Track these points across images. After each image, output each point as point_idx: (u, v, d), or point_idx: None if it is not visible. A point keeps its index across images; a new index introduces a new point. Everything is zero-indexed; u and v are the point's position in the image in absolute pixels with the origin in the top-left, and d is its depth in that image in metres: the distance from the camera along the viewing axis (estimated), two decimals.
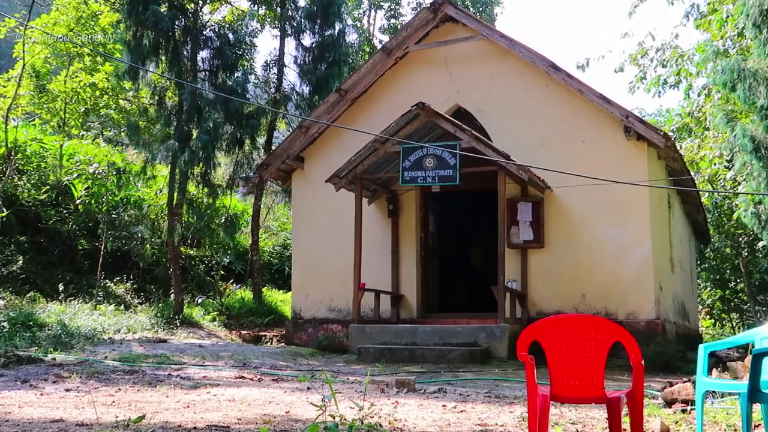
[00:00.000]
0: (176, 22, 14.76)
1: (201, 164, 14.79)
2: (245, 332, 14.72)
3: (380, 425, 5.06)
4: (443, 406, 6.39)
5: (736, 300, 23.27)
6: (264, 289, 18.33)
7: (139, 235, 16.50)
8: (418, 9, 27.02)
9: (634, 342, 4.06)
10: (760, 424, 5.15)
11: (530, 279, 12.45)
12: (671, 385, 7.03)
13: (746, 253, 20.86)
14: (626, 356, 4.10)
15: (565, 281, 12.23)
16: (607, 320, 4.22)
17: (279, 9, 18.08)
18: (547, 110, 12.69)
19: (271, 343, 14.04)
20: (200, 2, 15.62)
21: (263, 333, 14.76)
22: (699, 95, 19.50)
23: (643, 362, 4.04)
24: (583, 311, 11.94)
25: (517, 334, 10.67)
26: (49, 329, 11.43)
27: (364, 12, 31.79)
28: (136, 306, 15.26)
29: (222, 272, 18.84)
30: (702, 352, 5.00)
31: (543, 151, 12.50)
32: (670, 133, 19.06)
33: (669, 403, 6.47)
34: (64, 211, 16.67)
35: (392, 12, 31.11)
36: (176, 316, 14.31)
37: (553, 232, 12.45)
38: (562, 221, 12.42)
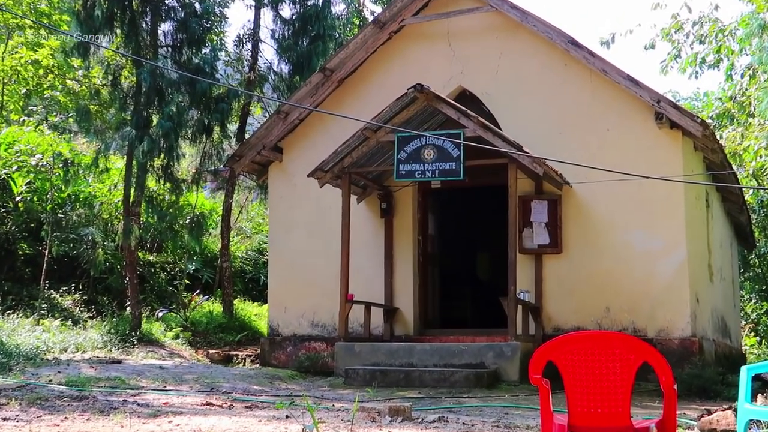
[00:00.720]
0: None
1: (162, 155, 14.77)
2: (214, 351, 14.73)
3: None
4: None
5: None
6: (236, 301, 18.39)
7: (90, 237, 16.44)
8: None
9: (666, 363, 4.08)
10: None
11: (545, 290, 12.48)
12: (709, 413, 7.07)
13: None
14: (656, 379, 4.14)
15: (585, 292, 12.27)
16: (634, 338, 4.25)
17: None
18: (566, 94, 12.72)
19: (244, 364, 14.05)
20: None
21: (235, 352, 14.78)
22: (742, 76, 19.51)
23: (676, 386, 4.08)
24: (606, 327, 11.96)
25: (530, 353, 10.48)
26: None
27: None
28: (86, 321, 15.23)
29: (187, 281, 18.80)
30: (745, 375, 5.02)
31: (561, 141, 12.51)
32: (709, 121, 19.12)
33: None
34: (2, 210, 16.63)
35: None
36: (133, 333, 14.32)
37: (572, 235, 12.47)
38: (583, 222, 12.45)
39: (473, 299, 15.71)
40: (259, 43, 18.39)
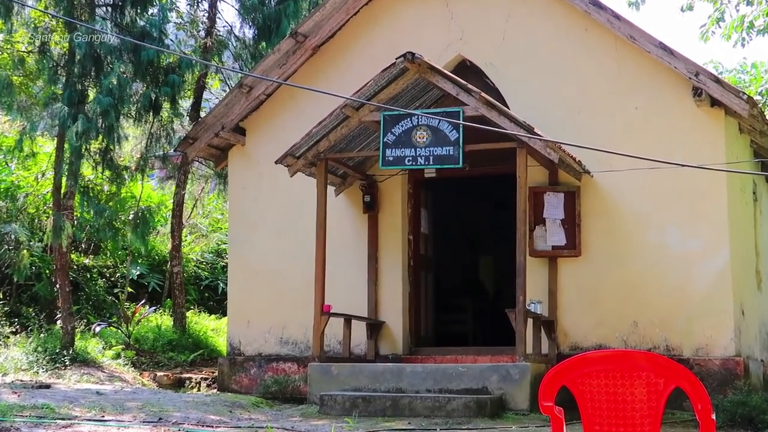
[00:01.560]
0: None
1: (101, 137, 14.71)
2: (162, 374, 14.73)
3: None
4: None
5: None
6: (189, 314, 18.39)
7: (13, 236, 16.38)
8: None
9: (703, 388, 4.11)
10: None
11: (561, 300, 12.48)
12: None
13: None
14: (692, 408, 4.13)
15: (609, 303, 12.28)
16: (665, 358, 4.27)
17: None
18: (586, 65, 12.73)
19: (199, 389, 14.01)
20: None
21: (188, 375, 14.78)
22: None
23: (714, 416, 4.07)
24: (633, 345, 11.97)
25: (542, 376, 10.57)
26: None
27: None
28: (8, 337, 15.19)
29: (130, 289, 18.78)
30: None
31: (580, 121, 12.51)
32: (758, 97, 19.18)
33: None
34: None
35: None
36: (65, 351, 14.28)
37: (592, 235, 12.46)
38: (606, 219, 12.43)
39: (475, 311, 15.70)
40: (218, 2, 18.38)
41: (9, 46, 17.02)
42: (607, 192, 12.48)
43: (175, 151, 15.93)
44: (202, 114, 17.17)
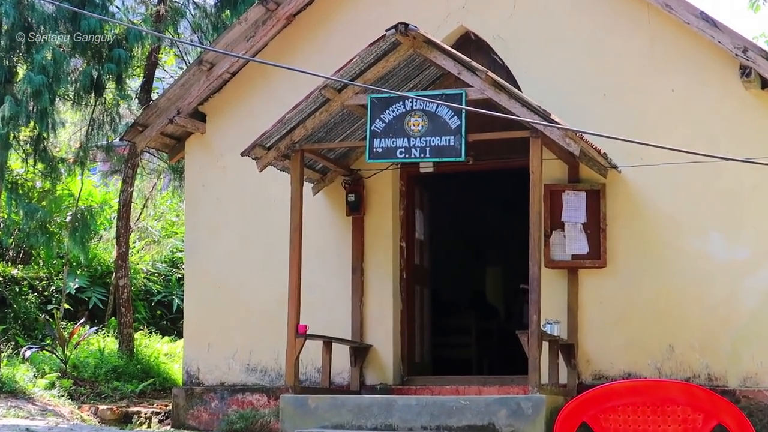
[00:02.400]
0: None
1: (32, 123, 14.78)
2: (106, 407, 14.62)
3: None
4: None
5: None
6: (137, 335, 18.31)
7: None
8: None
9: (750, 426, 4.09)
10: None
11: (582, 319, 12.42)
12: None
13: None
14: None
15: (639, 323, 12.18)
16: (705, 390, 4.30)
17: None
18: (613, 39, 12.67)
19: (149, 425, 13.92)
20: None
21: (136, 408, 14.67)
22: None
23: None
24: (669, 374, 11.88)
25: (559, 411, 10.39)
26: None
27: None
28: None
29: (67, 306, 18.69)
30: None
31: (605, 106, 12.48)
32: None
33: None
34: None
35: None
36: None
37: (620, 241, 12.38)
38: (636, 223, 12.36)
39: (479, 333, 15.67)
40: None
41: None
42: (637, 190, 12.42)
43: (121, 140, 15.72)
44: (154, 96, 17.14)
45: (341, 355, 12.88)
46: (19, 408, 13.76)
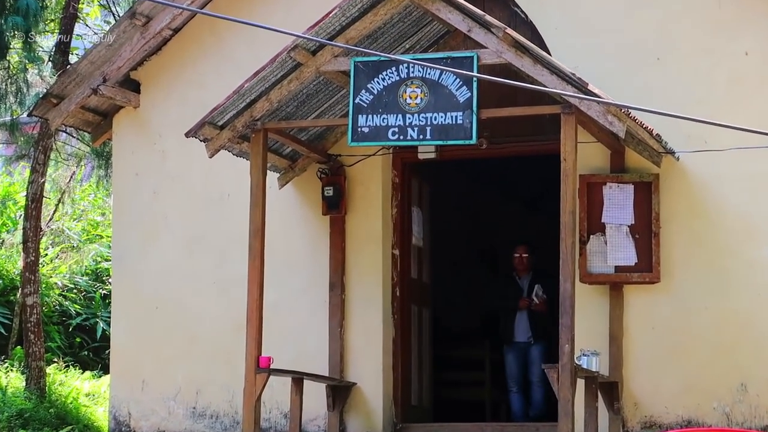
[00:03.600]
0: None
1: None
2: None
3: None
4: None
5: None
6: (51, 369, 17.30)
7: None
8: None
9: None
10: None
11: (629, 350, 11.91)
12: None
13: None
14: None
15: (703, 355, 11.75)
16: None
17: None
18: None
19: None
20: None
21: None
22: None
23: None
24: (740, 421, 11.43)
25: None
26: None
27: None
28: None
29: None
30: None
31: (658, 75, 11.99)
32: None
33: None
34: None
35: None
36: None
37: (678, 249, 11.92)
38: (699, 225, 11.91)
39: (495, 367, 15.07)
40: None
41: None
42: (700, 183, 12.01)
43: (29, 115, 15.26)
44: (73, 59, 16.38)
45: (316, 396, 12.39)
46: None
